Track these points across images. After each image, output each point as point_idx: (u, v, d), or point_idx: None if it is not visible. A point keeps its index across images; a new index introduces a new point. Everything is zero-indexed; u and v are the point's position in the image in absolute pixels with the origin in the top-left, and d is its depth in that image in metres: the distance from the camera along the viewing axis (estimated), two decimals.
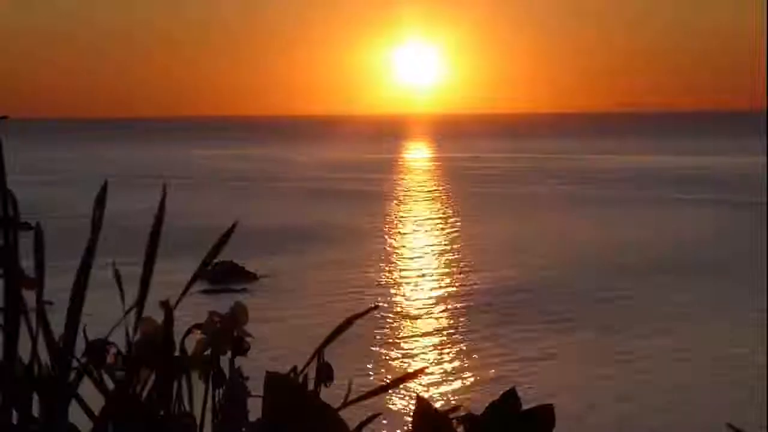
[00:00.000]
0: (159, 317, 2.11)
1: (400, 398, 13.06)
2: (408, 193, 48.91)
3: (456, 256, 27.81)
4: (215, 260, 2.16)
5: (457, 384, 15.06)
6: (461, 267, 25.88)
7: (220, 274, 22.36)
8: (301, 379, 2.27)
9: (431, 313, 20.30)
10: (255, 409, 2.30)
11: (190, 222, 31.06)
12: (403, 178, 59.64)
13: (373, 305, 2.15)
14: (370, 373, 15.23)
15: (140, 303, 2.06)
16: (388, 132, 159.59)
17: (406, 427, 2.53)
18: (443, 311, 20.45)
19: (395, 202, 44.30)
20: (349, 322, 2.09)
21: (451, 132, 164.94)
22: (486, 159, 77.81)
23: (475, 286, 23.02)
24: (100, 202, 2.00)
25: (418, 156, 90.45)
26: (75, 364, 2.07)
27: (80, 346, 2.10)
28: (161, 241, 2.07)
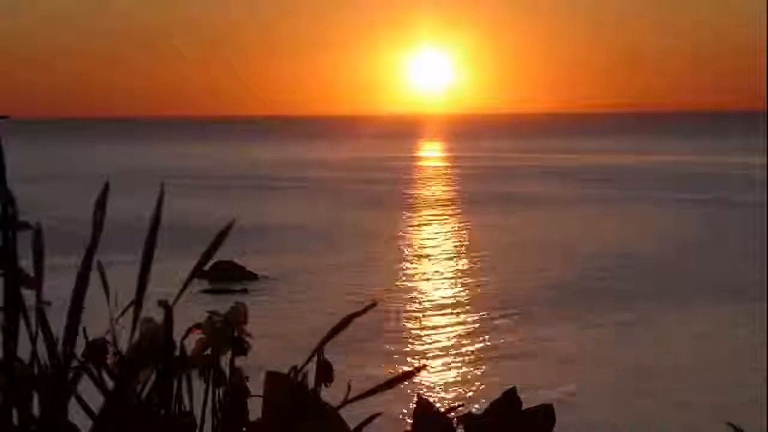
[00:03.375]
0: (156, 316, 2.11)
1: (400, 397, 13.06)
2: (409, 193, 48.84)
3: (454, 255, 27.80)
4: (215, 260, 2.16)
5: None
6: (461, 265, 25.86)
7: (220, 273, 22.34)
8: (300, 378, 2.27)
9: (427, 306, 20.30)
10: (255, 408, 2.30)
11: (192, 221, 31.06)
12: (405, 177, 59.56)
13: (372, 303, 2.15)
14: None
15: (138, 302, 2.05)
16: (403, 131, 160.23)
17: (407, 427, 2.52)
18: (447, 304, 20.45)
19: (399, 201, 44.23)
20: (348, 321, 2.09)
21: (462, 132, 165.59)
22: (490, 158, 77.78)
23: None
24: (101, 203, 2.00)
25: (427, 155, 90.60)
26: (75, 363, 2.07)
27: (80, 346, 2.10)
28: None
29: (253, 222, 32.35)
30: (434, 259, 27.51)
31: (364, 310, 2.07)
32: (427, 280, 24.16)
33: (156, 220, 2.01)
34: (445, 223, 36.28)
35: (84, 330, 2.07)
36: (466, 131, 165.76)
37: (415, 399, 2.55)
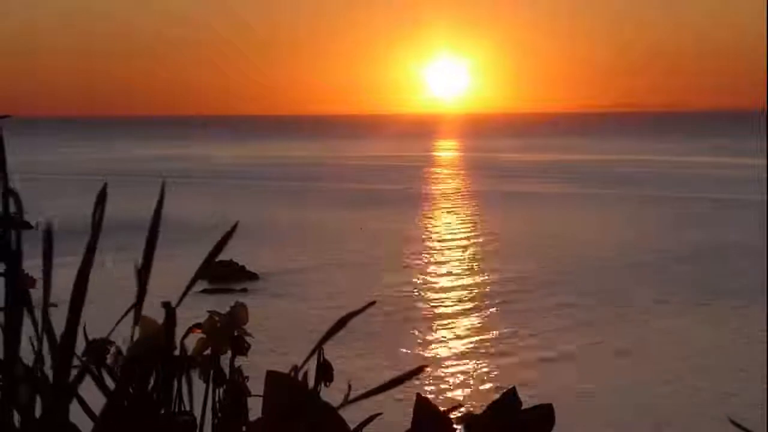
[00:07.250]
0: (156, 316, 2.11)
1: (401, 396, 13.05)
2: (411, 193, 48.82)
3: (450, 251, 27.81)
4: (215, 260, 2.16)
5: None
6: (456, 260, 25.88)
7: (220, 273, 22.34)
8: (300, 377, 2.28)
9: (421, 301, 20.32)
10: (255, 408, 2.31)
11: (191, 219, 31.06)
12: (416, 175, 59.52)
13: (371, 301, 2.15)
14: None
15: (138, 302, 2.06)
16: (420, 131, 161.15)
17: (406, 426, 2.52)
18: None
19: (404, 199, 44.17)
20: (346, 320, 2.09)
21: (474, 131, 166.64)
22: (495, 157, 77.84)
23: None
24: (101, 201, 2.00)
25: (442, 153, 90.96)
26: (76, 363, 2.07)
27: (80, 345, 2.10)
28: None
29: (255, 220, 32.36)
30: (440, 255, 27.54)
31: (363, 309, 2.07)
32: (420, 272, 24.19)
33: (156, 218, 2.01)
34: (454, 220, 36.27)
35: (84, 329, 2.07)
36: (482, 130, 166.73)
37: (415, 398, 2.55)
